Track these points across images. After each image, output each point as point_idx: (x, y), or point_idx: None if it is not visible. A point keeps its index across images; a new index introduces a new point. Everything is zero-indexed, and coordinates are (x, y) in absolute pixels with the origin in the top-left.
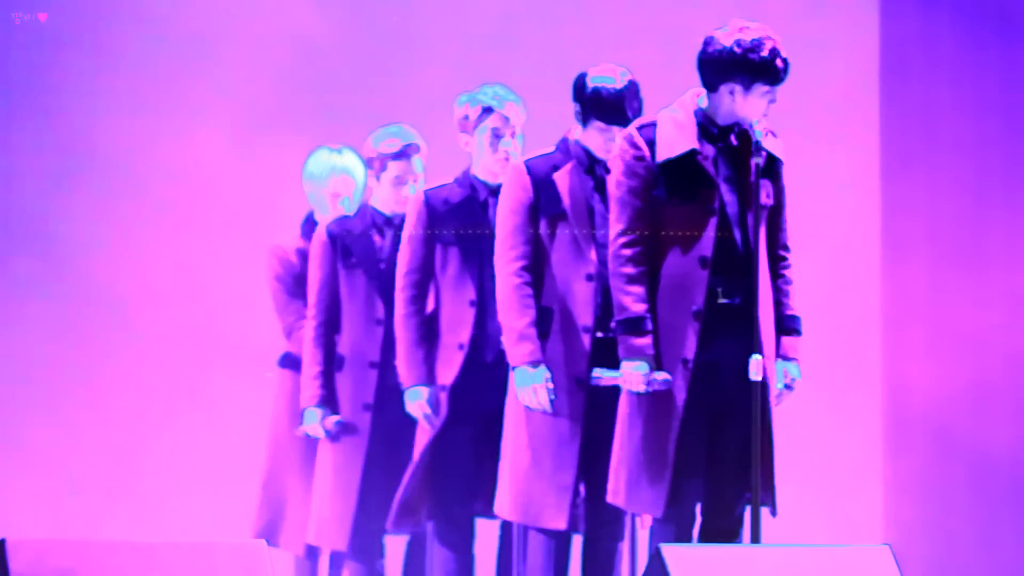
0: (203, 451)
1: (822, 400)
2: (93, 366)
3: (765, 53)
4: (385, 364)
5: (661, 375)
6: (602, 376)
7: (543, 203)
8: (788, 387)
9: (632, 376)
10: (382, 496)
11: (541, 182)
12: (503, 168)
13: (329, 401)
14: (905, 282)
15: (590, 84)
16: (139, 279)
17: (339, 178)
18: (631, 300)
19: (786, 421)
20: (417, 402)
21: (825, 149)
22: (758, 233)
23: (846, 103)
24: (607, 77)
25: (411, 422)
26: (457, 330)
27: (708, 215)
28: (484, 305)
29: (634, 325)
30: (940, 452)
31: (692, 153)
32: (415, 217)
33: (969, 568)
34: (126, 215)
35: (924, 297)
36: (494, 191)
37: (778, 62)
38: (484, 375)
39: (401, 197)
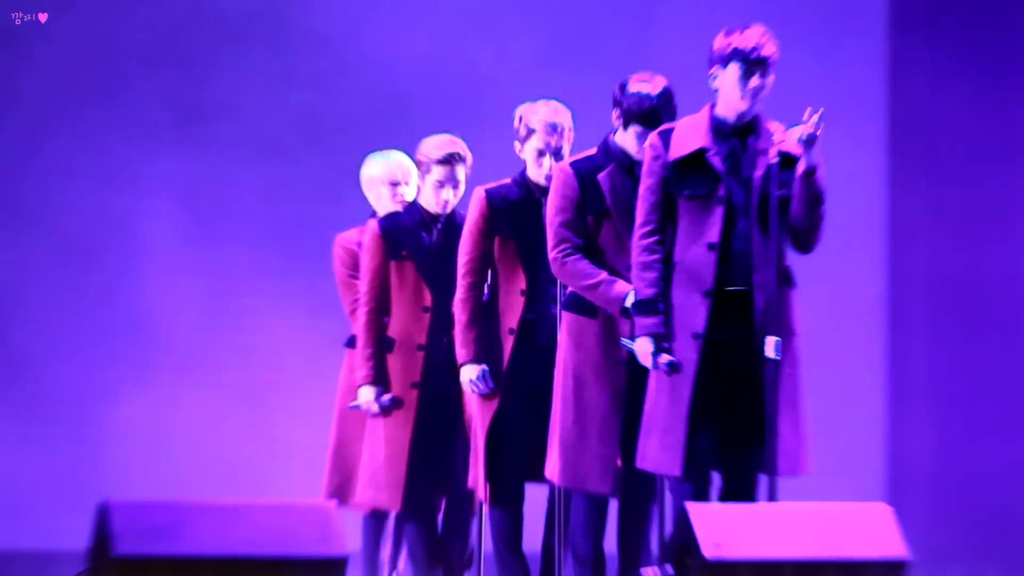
0: (283, 422)
1: (827, 376)
2: (182, 343)
3: (753, 42)
4: (431, 346)
5: (664, 358)
6: (628, 344)
7: (589, 201)
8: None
9: (643, 351)
10: (429, 461)
11: (586, 182)
12: (547, 180)
13: (381, 379)
14: (910, 263)
15: (630, 91)
16: (233, 259)
17: (395, 168)
18: (643, 285)
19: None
20: (468, 377)
21: (832, 141)
22: (766, 223)
23: (853, 96)
24: (645, 85)
25: (454, 397)
26: (508, 316)
27: (716, 206)
28: (535, 294)
29: (645, 306)
30: (940, 423)
31: (701, 151)
32: (477, 212)
33: (965, 526)
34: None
35: (927, 279)
36: (546, 191)
37: (765, 50)
38: (535, 356)
39: (440, 200)
